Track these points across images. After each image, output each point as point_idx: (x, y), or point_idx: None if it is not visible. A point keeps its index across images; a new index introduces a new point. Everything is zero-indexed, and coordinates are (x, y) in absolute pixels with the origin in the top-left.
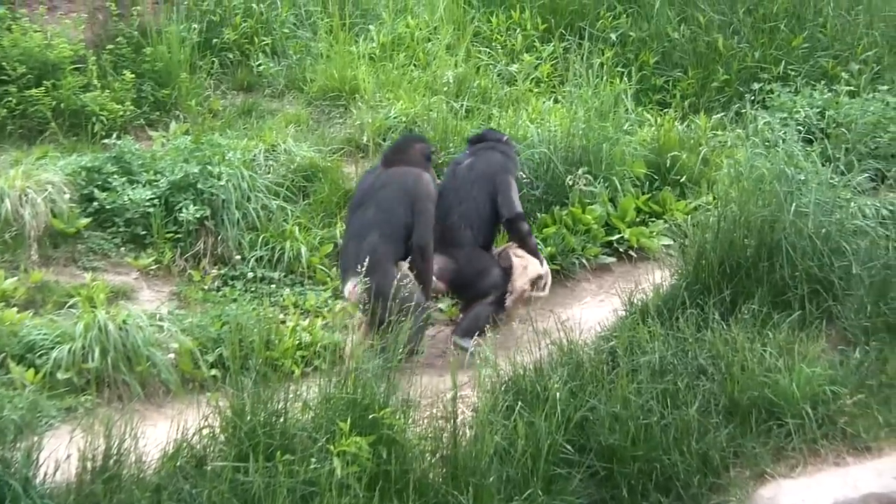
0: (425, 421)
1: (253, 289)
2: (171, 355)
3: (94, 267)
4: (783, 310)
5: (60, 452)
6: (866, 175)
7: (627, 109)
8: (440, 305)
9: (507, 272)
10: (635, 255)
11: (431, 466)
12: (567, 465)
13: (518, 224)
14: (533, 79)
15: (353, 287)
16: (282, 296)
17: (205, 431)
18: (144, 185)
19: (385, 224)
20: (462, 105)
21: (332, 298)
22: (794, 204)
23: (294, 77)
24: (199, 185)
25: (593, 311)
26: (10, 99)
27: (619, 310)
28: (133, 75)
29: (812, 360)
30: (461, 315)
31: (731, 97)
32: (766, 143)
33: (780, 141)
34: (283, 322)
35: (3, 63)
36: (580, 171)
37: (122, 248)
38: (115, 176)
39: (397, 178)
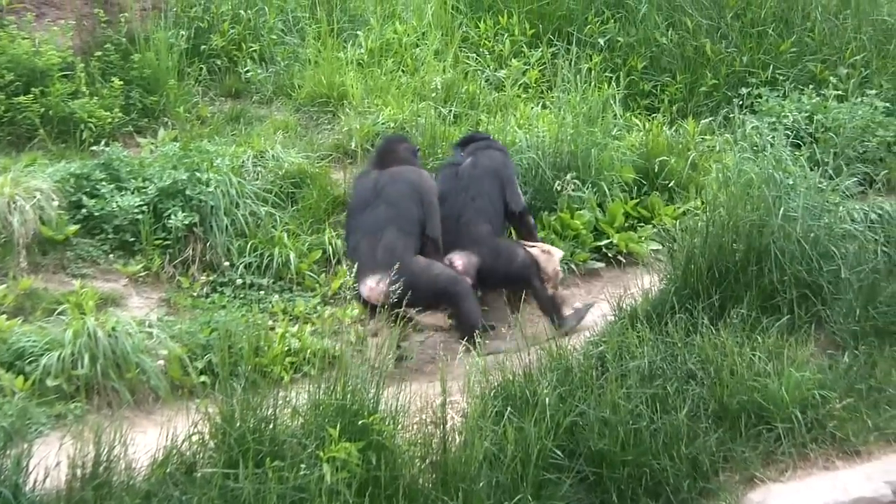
0: (415, 427)
1: (242, 295)
2: (161, 362)
3: (82, 274)
4: (772, 314)
5: (50, 460)
6: (854, 179)
7: (616, 114)
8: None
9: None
10: (624, 261)
11: (421, 472)
12: (557, 471)
13: (526, 218)
14: (521, 84)
15: (377, 284)
16: (271, 302)
17: (194, 438)
18: (133, 192)
19: (401, 219)
20: (450, 111)
21: (321, 304)
22: (782, 208)
23: (282, 83)
24: (187, 192)
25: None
26: None
27: (608, 315)
28: (121, 82)
29: (801, 365)
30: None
31: (720, 102)
32: (755, 148)
33: (769, 145)
34: (272, 328)
35: None
36: (569, 177)
37: (111, 255)
38: (104, 183)
39: (402, 176)
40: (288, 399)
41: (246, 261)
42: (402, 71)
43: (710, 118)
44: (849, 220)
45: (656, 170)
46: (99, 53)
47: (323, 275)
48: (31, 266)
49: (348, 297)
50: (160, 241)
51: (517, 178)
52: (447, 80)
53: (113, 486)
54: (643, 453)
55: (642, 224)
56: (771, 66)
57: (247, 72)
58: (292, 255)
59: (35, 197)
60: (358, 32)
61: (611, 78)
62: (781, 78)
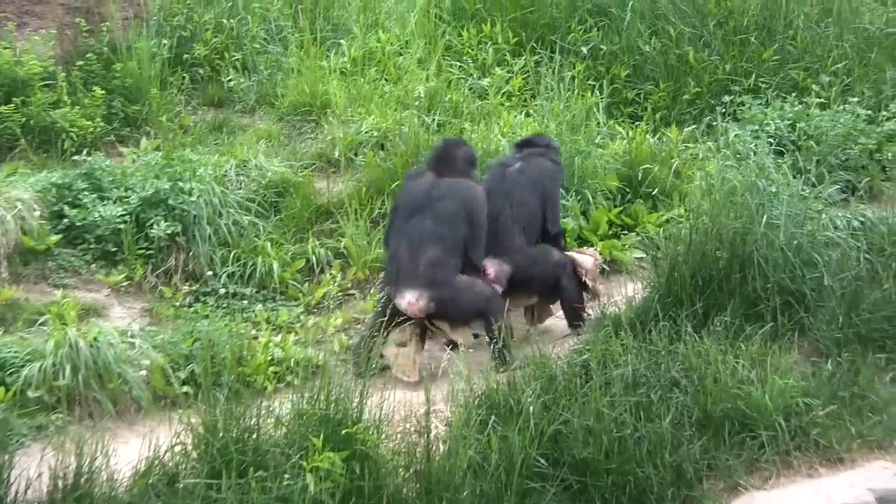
0: (399, 436)
1: (225, 305)
2: (143, 372)
3: (64, 284)
4: (755, 322)
5: (31, 471)
6: (837, 187)
7: (599, 122)
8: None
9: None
10: (608, 268)
11: (405, 481)
12: (541, 479)
13: (559, 241)
14: (504, 92)
15: (416, 300)
16: (254, 312)
17: (177, 448)
18: (115, 202)
19: (447, 238)
20: (434, 119)
21: (305, 314)
22: (765, 216)
23: (265, 92)
24: (170, 201)
25: (566, 325)
26: None
27: (592, 322)
28: (103, 91)
29: (784, 372)
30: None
31: (703, 110)
32: (738, 156)
33: (752, 153)
34: (256, 338)
35: None
36: None
37: (93, 265)
38: (86, 192)
39: (456, 192)
40: (271, 409)
41: (229, 270)
42: (386, 79)
43: (694, 126)
44: (831, 227)
45: (640, 178)
46: (81, 63)
47: (306, 284)
48: (13, 276)
49: (332, 305)
50: (142, 251)
51: (559, 195)
52: (430, 88)
53: (95, 498)
54: (627, 461)
55: (626, 232)
56: (754, 74)
57: (229, 81)
58: (275, 265)
59: (16, 207)
60: (341, 41)
61: (594, 86)
62: (764, 86)
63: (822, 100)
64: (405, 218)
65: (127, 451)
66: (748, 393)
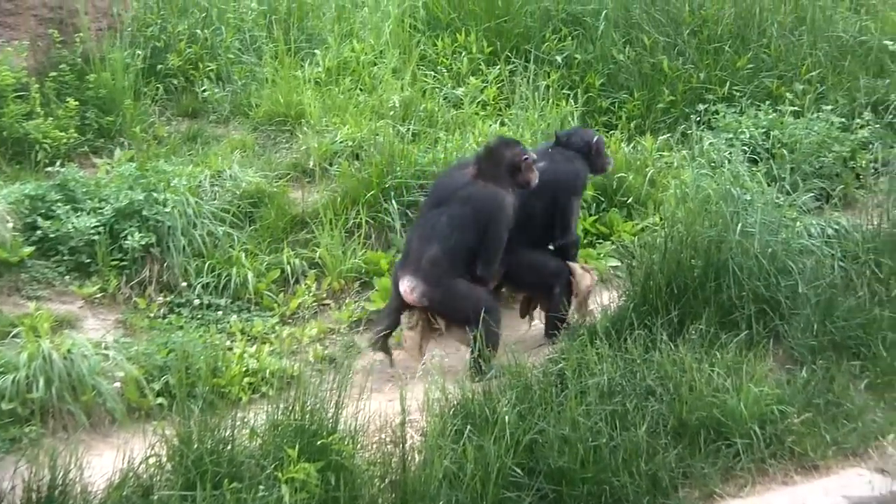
0: (374, 446)
1: (199, 316)
2: (117, 384)
3: (38, 296)
4: (730, 330)
5: (5, 484)
6: (811, 194)
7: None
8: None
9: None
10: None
11: (380, 492)
12: (517, 489)
13: (568, 250)
14: (479, 102)
15: (411, 290)
16: (228, 322)
17: (151, 460)
18: (89, 213)
19: (453, 241)
20: (408, 129)
21: (280, 324)
22: (740, 224)
23: (239, 102)
24: (144, 212)
25: (542, 334)
26: None
27: (567, 331)
28: (76, 102)
29: (759, 380)
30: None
31: (677, 118)
32: (712, 164)
33: (726, 161)
34: (230, 349)
35: None
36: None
37: (67, 277)
38: (59, 204)
39: (479, 198)
40: (246, 420)
41: (203, 281)
42: (360, 89)
43: (668, 135)
44: (806, 235)
45: (615, 186)
46: (54, 74)
47: (281, 294)
48: None
49: (307, 316)
50: (116, 263)
51: (572, 204)
52: (405, 98)
53: None
54: (603, 470)
55: (601, 241)
56: (728, 83)
57: (204, 91)
58: (250, 275)
59: None
60: (315, 51)
61: (568, 95)
62: (738, 94)
63: (796, 108)
64: (430, 206)
65: (101, 464)
66: (723, 401)
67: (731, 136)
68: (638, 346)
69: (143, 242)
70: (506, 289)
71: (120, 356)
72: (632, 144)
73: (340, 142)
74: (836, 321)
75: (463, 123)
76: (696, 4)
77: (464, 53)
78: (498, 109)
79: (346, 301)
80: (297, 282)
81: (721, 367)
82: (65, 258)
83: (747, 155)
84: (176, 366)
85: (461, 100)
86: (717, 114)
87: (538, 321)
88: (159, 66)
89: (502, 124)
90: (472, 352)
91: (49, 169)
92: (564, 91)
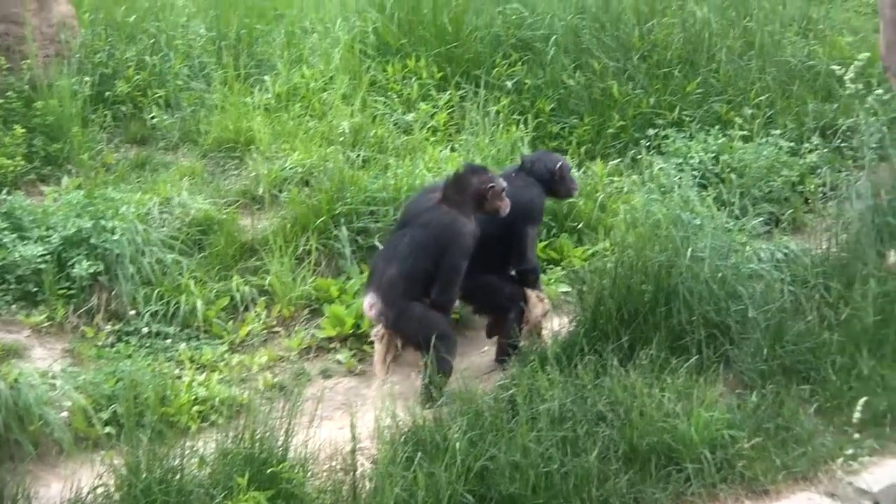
0: (324, 474)
1: (148, 344)
2: (65, 414)
3: None
4: (681, 354)
5: None
6: (761, 219)
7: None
8: (339, 356)
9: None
10: None
11: None
12: None
13: (527, 276)
14: (429, 127)
15: (370, 308)
16: (177, 350)
17: (99, 490)
18: (36, 241)
19: (410, 263)
20: (358, 155)
21: (229, 352)
22: (690, 249)
23: (188, 129)
24: (92, 240)
25: (492, 360)
26: None
27: (518, 357)
28: (24, 130)
29: (710, 405)
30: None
31: (627, 143)
32: (662, 189)
33: (676, 186)
34: (179, 377)
35: None
36: None
37: (13, 306)
38: (6, 232)
39: (438, 224)
40: (195, 448)
41: (152, 309)
42: (310, 115)
43: (618, 159)
44: (755, 259)
45: (565, 211)
46: (0, 101)
47: (231, 322)
48: None
49: (256, 343)
50: (64, 291)
51: (529, 231)
52: (355, 123)
53: None
54: (554, 496)
55: (552, 266)
56: (677, 108)
57: (152, 118)
58: (199, 303)
59: None
60: (265, 77)
61: (519, 120)
62: (688, 119)
63: (745, 132)
64: (397, 227)
65: (48, 494)
66: (674, 426)
67: (680, 160)
68: (589, 372)
69: (90, 271)
70: (467, 308)
71: (67, 385)
72: (582, 169)
73: (290, 168)
74: (785, 345)
75: (413, 149)
76: (645, 29)
77: (414, 79)
78: (448, 135)
79: (296, 328)
80: (246, 309)
81: (671, 392)
82: (11, 287)
83: (697, 179)
84: (124, 395)
85: (411, 125)
86: (667, 138)
87: (487, 347)
88: (107, 93)
89: (453, 150)
90: (423, 378)
91: None
92: (514, 116)
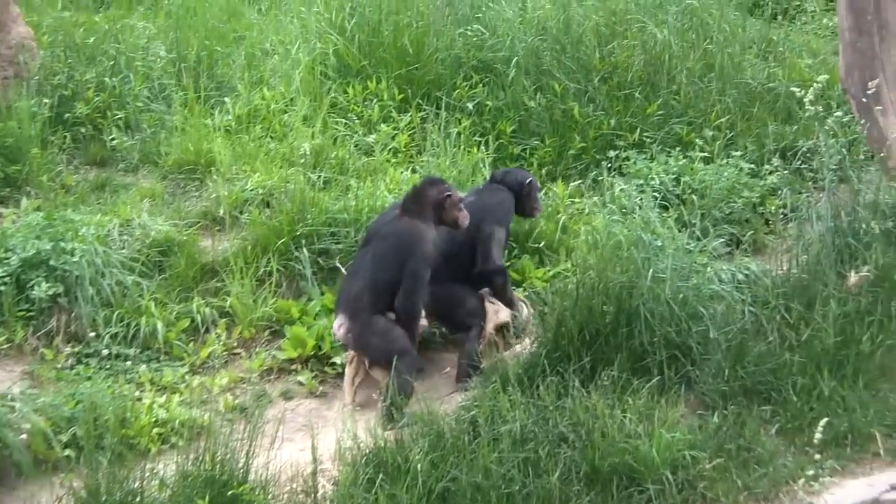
0: (286, 496)
1: (108, 366)
2: (24, 436)
3: None
4: (642, 375)
5: None
6: (722, 240)
7: (485, 178)
8: (300, 378)
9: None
10: None
11: None
12: None
13: (493, 278)
14: (390, 149)
15: (339, 327)
16: (138, 372)
17: None
18: None
19: (372, 277)
20: (319, 176)
21: (190, 374)
22: (651, 270)
23: (148, 151)
24: (51, 262)
25: (454, 381)
26: None
27: (480, 378)
28: None
29: (671, 426)
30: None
31: (588, 164)
32: (623, 210)
33: (637, 207)
34: (139, 399)
35: None
36: None
37: None
38: None
39: (398, 234)
40: (155, 471)
41: (112, 331)
42: (271, 137)
43: (580, 181)
44: (716, 280)
45: (526, 232)
46: None
47: (191, 343)
48: None
49: (217, 365)
50: (23, 313)
51: (495, 232)
52: (316, 145)
53: None
54: None
55: (513, 287)
56: (638, 129)
57: (112, 139)
58: (159, 325)
59: None
60: (225, 99)
61: (480, 142)
62: (649, 140)
63: (705, 154)
64: (361, 247)
65: None
66: (636, 447)
67: (641, 182)
68: (550, 393)
69: (50, 292)
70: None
71: (26, 408)
72: (543, 191)
73: (251, 190)
74: (746, 366)
75: (374, 170)
76: (606, 51)
77: (375, 101)
78: (409, 156)
79: (257, 350)
80: (207, 331)
81: (633, 413)
82: None
83: (658, 201)
84: (84, 417)
85: (372, 147)
86: (628, 160)
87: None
88: (67, 115)
89: (414, 171)
90: (384, 399)
91: None
92: (476, 138)
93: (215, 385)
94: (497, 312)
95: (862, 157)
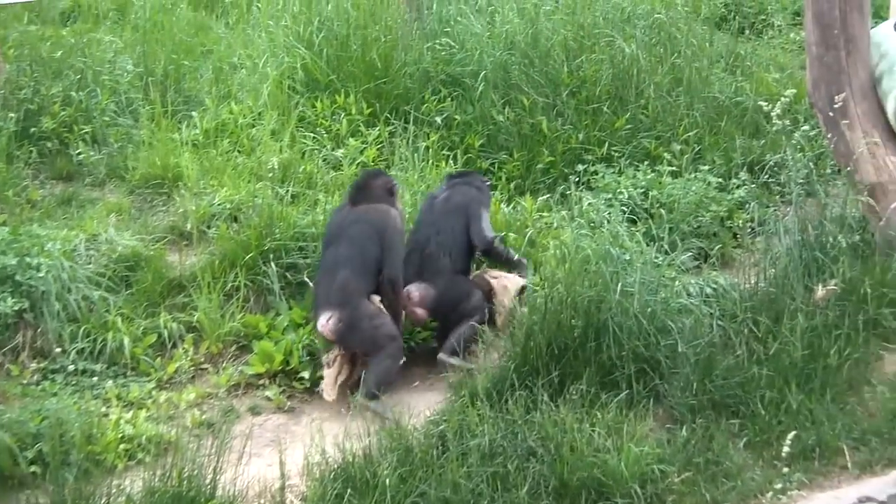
0: None
1: (74, 382)
2: None
3: None
4: (611, 389)
5: None
6: (690, 254)
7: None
8: (268, 393)
9: (487, 295)
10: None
11: None
12: None
13: (493, 251)
14: (359, 163)
15: (327, 321)
16: (104, 388)
17: None
18: None
19: (356, 259)
20: (287, 191)
21: (157, 389)
22: (619, 284)
23: (115, 165)
24: (17, 277)
25: (423, 395)
26: None
27: (448, 393)
28: None
29: (640, 440)
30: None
31: (556, 178)
32: (592, 224)
33: (605, 221)
34: (106, 415)
35: None
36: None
37: None
38: None
39: (366, 215)
40: (122, 487)
41: (78, 346)
42: (239, 151)
43: (548, 195)
44: (685, 294)
45: None
46: None
47: (158, 359)
48: None
49: (184, 380)
50: None
51: (484, 213)
52: (284, 159)
53: None
54: None
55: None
56: (606, 143)
57: (79, 154)
58: (126, 340)
59: None
60: (193, 113)
61: (448, 156)
62: (617, 154)
63: (673, 168)
64: (325, 249)
65: None
66: (604, 461)
67: (610, 196)
68: (519, 407)
69: (15, 308)
70: (437, 320)
71: None
72: (512, 205)
73: (218, 204)
74: (714, 380)
75: (342, 185)
76: (574, 66)
77: (343, 115)
78: None
79: (225, 365)
80: (174, 346)
81: (602, 427)
82: None
83: (626, 215)
84: (50, 433)
85: (340, 161)
86: (597, 174)
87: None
88: (33, 129)
89: None
90: (366, 374)
91: None
92: (444, 152)
93: (182, 400)
94: (506, 287)
95: (829, 171)
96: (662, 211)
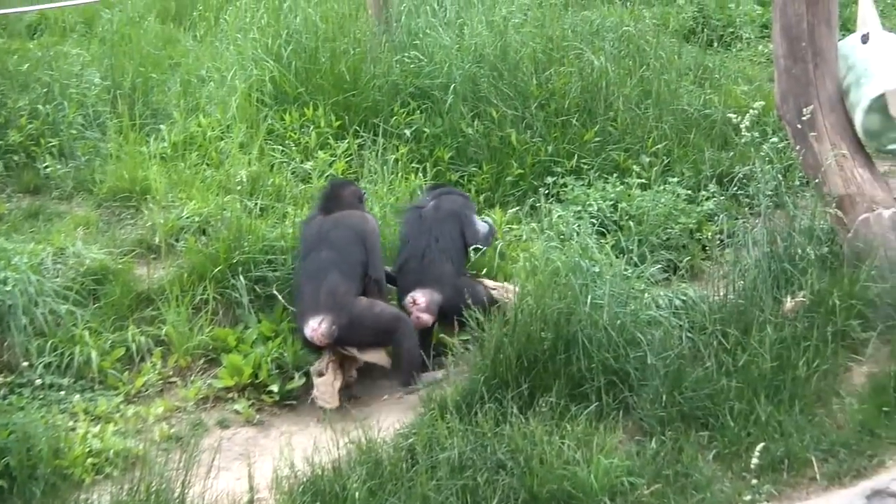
0: None
1: (41, 396)
2: None
3: None
4: (580, 402)
5: None
6: (659, 266)
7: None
8: (237, 406)
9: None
10: (433, 351)
11: None
12: None
13: (488, 241)
14: (328, 176)
15: (318, 325)
16: (71, 402)
17: None
18: None
19: (343, 263)
20: (256, 204)
21: (125, 403)
22: (589, 296)
23: (83, 178)
24: None
25: (392, 408)
26: None
27: (417, 406)
28: None
29: (610, 452)
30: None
31: (526, 191)
32: (561, 237)
33: (575, 234)
34: (73, 429)
35: None
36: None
37: None
38: None
39: (346, 220)
40: (89, 502)
41: (45, 360)
42: (207, 164)
43: (517, 207)
44: (654, 306)
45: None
46: None
47: (126, 372)
48: None
49: (152, 394)
50: None
51: (473, 216)
52: (252, 172)
53: None
54: None
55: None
56: (576, 156)
57: (46, 167)
58: (94, 354)
59: None
60: (161, 126)
61: (418, 168)
62: (586, 167)
63: (643, 180)
64: (303, 258)
65: None
66: (574, 473)
67: (579, 208)
68: (489, 420)
69: None
70: (441, 325)
71: None
72: (480, 218)
73: (187, 217)
74: (684, 392)
75: (311, 197)
76: (543, 78)
77: (312, 127)
78: None
79: (193, 378)
80: (142, 359)
81: (571, 440)
82: None
83: (596, 227)
84: (17, 447)
85: (309, 174)
86: (566, 186)
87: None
88: None
89: None
90: (394, 365)
91: None
92: (413, 164)
93: (150, 414)
94: (507, 291)
95: (797, 182)
96: (632, 223)
